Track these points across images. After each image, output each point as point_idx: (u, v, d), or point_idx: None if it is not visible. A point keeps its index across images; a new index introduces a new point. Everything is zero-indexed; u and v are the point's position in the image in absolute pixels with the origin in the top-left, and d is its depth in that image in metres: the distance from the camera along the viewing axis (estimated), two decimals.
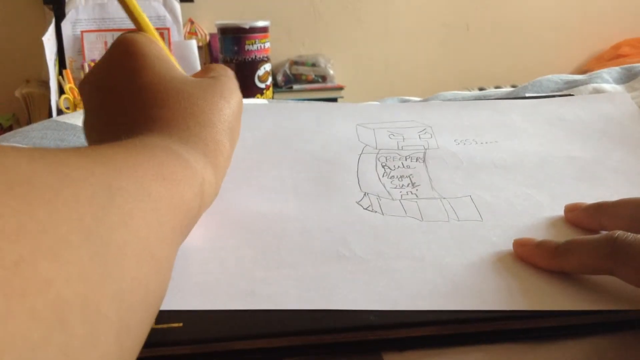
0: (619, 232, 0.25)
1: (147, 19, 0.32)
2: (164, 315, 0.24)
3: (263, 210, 0.32)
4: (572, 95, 0.50)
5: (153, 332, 0.23)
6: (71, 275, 0.14)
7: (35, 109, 1.53)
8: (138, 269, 0.18)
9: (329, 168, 0.37)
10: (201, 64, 1.55)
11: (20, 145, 0.43)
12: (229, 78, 0.33)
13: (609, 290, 0.25)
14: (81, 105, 1.33)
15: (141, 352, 0.19)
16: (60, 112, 1.31)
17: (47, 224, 0.14)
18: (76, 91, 1.34)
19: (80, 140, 0.44)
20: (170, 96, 0.29)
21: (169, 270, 0.21)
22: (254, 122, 0.43)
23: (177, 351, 0.23)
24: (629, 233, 0.24)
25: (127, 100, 0.29)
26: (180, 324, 0.23)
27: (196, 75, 0.33)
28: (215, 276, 0.27)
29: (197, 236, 0.29)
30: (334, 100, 1.74)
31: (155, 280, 0.19)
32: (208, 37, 1.73)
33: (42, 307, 0.13)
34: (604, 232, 0.29)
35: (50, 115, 1.36)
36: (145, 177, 0.21)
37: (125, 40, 0.31)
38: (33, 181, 0.15)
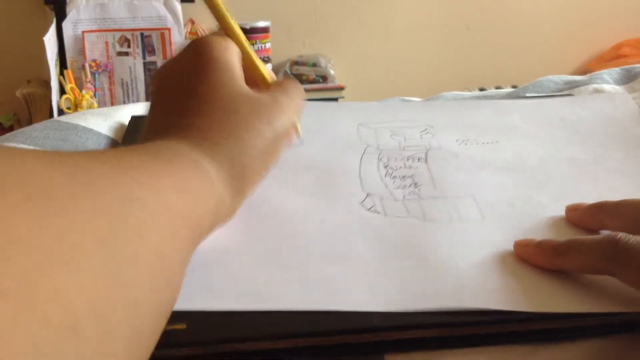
0: (621, 234, 0.25)
1: (233, 22, 0.31)
2: None
3: (266, 212, 0.33)
4: (573, 95, 0.50)
5: None
6: (84, 283, 0.14)
7: (36, 109, 1.53)
8: (150, 280, 0.18)
9: (331, 169, 0.37)
10: None
11: (25, 146, 0.43)
12: (290, 99, 0.32)
13: (610, 292, 0.25)
14: (82, 105, 1.33)
15: None
16: (61, 112, 1.31)
17: (62, 233, 0.15)
18: (77, 91, 1.34)
19: (82, 140, 0.44)
20: (214, 108, 0.28)
21: (179, 282, 0.22)
22: None
23: (180, 352, 0.23)
24: (631, 235, 0.24)
25: (177, 101, 0.29)
26: (184, 326, 0.23)
27: (268, 88, 0.32)
28: (219, 277, 0.27)
29: None
30: (335, 100, 1.74)
31: (167, 292, 0.20)
32: None
33: (53, 314, 0.13)
34: (605, 233, 0.30)
35: (51, 115, 1.36)
36: (164, 188, 0.21)
37: (200, 41, 0.30)
38: (51, 191, 0.15)
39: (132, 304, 0.16)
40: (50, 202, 0.15)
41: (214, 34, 0.31)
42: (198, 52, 0.30)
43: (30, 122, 1.52)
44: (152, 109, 0.31)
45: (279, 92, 0.31)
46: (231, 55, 0.30)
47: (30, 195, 0.15)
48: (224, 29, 0.31)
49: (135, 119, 0.45)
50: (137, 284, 0.17)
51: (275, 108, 0.30)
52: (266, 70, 0.33)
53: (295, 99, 0.32)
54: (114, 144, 0.44)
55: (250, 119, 0.29)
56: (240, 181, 0.27)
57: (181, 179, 0.22)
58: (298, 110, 0.32)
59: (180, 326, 0.23)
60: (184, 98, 0.29)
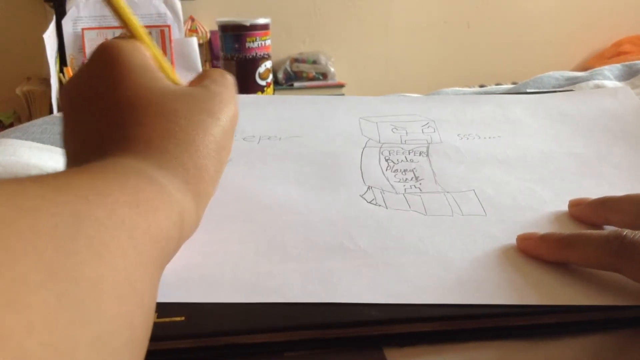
0: (627, 231, 0.25)
1: (136, 23, 0.29)
2: (166, 309, 0.24)
3: (267, 203, 0.32)
4: (574, 91, 0.50)
5: (154, 326, 0.23)
6: (34, 323, 0.12)
7: (36, 106, 1.53)
8: (119, 306, 0.16)
9: (332, 161, 0.37)
10: (202, 62, 1.54)
11: (22, 141, 0.42)
12: (224, 87, 0.29)
13: (614, 286, 0.25)
14: None
15: None
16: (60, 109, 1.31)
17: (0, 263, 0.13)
18: None
19: None
20: (149, 113, 0.26)
21: (152, 305, 0.19)
22: (256, 115, 0.43)
23: (178, 345, 0.23)
24: (637, 231, 0.24)
25: (103, 115, 0.26)
26: (182, 318, 0.23)
27: (192, 82, 0.30)
28: (219, 269, 0.27)
29: (200, 229, 0.29)
30: None
31: (140, 316, 0.17)
32: (209, 35, 1.73)
33: None
34: (608, 228, 0.29)
35: (51, 112, 1.36)
36: (117, 204, 0.19)
37: (107, 47, 0.28)
38: None
39: (101, 338, 0.14)
40: None
41: (118, 37, 0.29)
42: (109, 59, 0.27)
43: (30, 120, 1.52)
44: (71, 127, 0.28)
45: (209, 82, 0.29)
46: (143, 56, 0.28)
47: None
48: (128, 30, 0.29)
49: None
50: (104, 314, 0.15)
51: (212, 100, 0.28)
52: (173, 70, 0.31)
53: (228, 86, 0.30)
54: None
55: (192, 117, 0.26)
56: (199, 184, 0.25)
57: (133, 194, 0.20)
58: (235, 98, 0.30)
59: (179, 318, 0.23)
60: (110, 110, 0.26)
